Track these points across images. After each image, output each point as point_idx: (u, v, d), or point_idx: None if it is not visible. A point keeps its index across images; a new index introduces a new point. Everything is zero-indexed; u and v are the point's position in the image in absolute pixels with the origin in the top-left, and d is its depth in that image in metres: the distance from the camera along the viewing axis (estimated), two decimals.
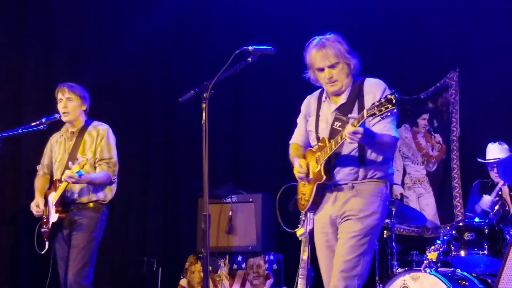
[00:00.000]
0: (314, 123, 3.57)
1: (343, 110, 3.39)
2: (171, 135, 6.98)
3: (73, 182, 4.29)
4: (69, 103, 4.54)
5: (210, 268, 5.63)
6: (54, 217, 4.45)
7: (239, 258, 5.65)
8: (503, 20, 5.95)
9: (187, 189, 6.64)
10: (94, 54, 6.36)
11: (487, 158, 5.34)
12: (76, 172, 4.16)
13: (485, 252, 4.72)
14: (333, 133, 3.38)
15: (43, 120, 4.52)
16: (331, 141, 3.33)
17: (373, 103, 3.05)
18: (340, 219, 3.38)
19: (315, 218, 3.57)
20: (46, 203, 4.55)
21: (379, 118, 3.22)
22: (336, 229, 3.43)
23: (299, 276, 4.76)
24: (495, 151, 5.30)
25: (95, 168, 4.50)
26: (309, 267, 4.79)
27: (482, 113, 6.07)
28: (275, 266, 5.57)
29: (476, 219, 4.94)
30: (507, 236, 4.67)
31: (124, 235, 6.41)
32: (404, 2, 6.35)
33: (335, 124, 3.40)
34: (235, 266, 5.65)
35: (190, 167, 6.75)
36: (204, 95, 3.12)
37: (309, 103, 3.68)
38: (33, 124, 4.52)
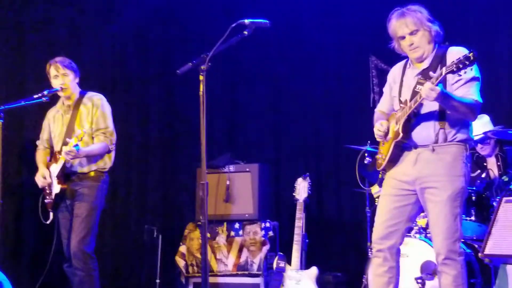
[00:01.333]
0: (398, 88, 3.63)
1: (426, 75, 3.41)
2: (170, 107, 6.93)
3: (72, 158, 4.28)
4: (65, 78, 4.51)
5: (208, 235, 5.64)
6: (56, 188, 4.44)
7: (236, 226, 5.66)
8: None
9: (186, 160, 6.63)
10: (93, 31, 6.28)
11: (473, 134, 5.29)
12: (74, 146, 4.14)
13: (472, 218, 4.80)
14: (414, 95, 3.42)
15: (45, 92, 4.46)
16: (411, 101, 3.40)
17: (452, 61, 3.13)
18: (421, 182, 3.44)
19: (390, 174, 3.59)
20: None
21: (463, 81, 3.33)
22: (411, 190, 3.49)
23: (294, 242, 4.80)
24: (478, 127, 5.24)
25: (92, 138, 4.49)
26: (303, 233, 4.82)
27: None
28: (271, 233, 5.58)
29: None
30: (494, 203, 4.67)
31: (125, 204, 6.40)
32: None
33: (417, 88, 3.44)
34: (232, 233, 5.65)
35: (189, 138, 6.72)
36: (202, 67, 3.14)
37: (394, 71, 3.76)
38: (35, 96, 4.46)
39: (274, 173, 6.31)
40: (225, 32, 3.17)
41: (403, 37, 3.47)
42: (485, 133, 4.99)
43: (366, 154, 5.11)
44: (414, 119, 3.43)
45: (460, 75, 3.23)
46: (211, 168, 5.77)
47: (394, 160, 3.53)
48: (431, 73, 3.26)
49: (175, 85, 6.67)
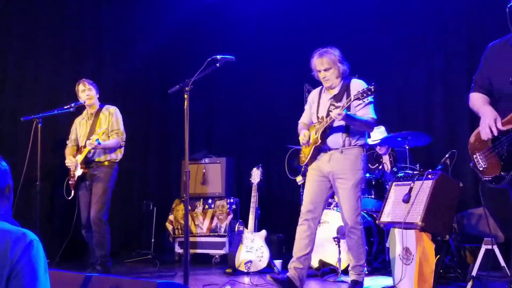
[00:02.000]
0: (316, 107, 3.64)
1: (336, 99, 3.46)
2: (165, 115, 6.90)
3: (93, 149, 4.26)
4: (90, 92, 4.51)
5: (190, 207, 5.62)
6: (79, 172, 4.38)
7: (209, 201, 5.62)
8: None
9: (176, 153, 6.59)
10: (112, 60, 6.24)
11: (371, 140, 5.26)
12: (96, 140, 4.15)
13: (372, 196, 4.86)
14: (329, 114, 3.44)
15: (72, 104, 4.47)
16: (327, 118, 3.43)
17: (358, 91, 3.19)
18: (333, 176, 3.47)
19: (312, 168, 3.58)
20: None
21: (363, 105, 3.39)
22: (327, 179, 3.52)
23: (250, 212, 4.79)
24: (376, 134, 5.30)
25: (108, 137, 4.44)
26: (256, 207, 4.82)
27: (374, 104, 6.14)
28: (234, 207, 5.56)
29: (367, 175, 4.92)
30: (387, 186, 4.71)
31: (129, 186, 6.33)
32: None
33: (330, 108, 3.46)
34: (206, 206, 5.61)
35: (178, 139, 6.69)
36: (186, 88, 3.12)
37: (313, 94, 3.76)
38: (65, 107, 4.45)
39: (237, 164, 6.32)
40: (203, 64, 3.16)
41: (320, 71, 3.52)
42: (382, 139, 5.07)
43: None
44: (329, 130, 3.47)
45: (362, 100, 3.31)
46: (192, 160, 5.74)
47: (313, 158, 3.56)
48: (340, 102, 3.31)
49: (169, 100, 6.62)
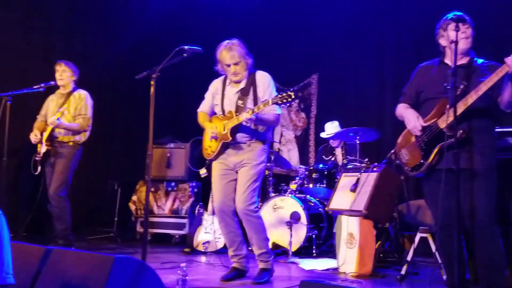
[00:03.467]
0: (220, 99, 3.47)
1: (243, 92, 3.38)
2: (131, 101, 6.78)
3: (54, 126, 4.23)
4: (63, 73, 4.45)
5: (152, 189, 5.60)
6: (44, 148, 4.33)
7: (172, 184, 5.61)
8: (349, 41, 6.15)
9: (142, 136, 6.48)
10: (82, 44, 6.11)
11: (326, 134, 5.43)
12: (57, 119, 4.14)
13: (324, 185, 4.93)
14: (238, 108, 3.34)
15: (42, 84, 4.36)
16: (237, 114, 3.28)
17: (277, 94, 3.07)
18: (239, 165, 3.36)
19: (218, 161, 3.43)
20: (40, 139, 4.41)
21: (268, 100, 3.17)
22: (233, 170, 3.39)
23: (210, 196, 4.80)
24: (329, 128, 5.41)
25: (74, 120, 4.38)
26: None
27: (330, 100, 6.29)
28: (196, 190, 5.58)
29: (320, 165, 5.07)
30: (337, 177, 4.82)
31: (95, 166, 6.24)
32: (287, 21, 6.43)
33: (238, 102, 3.36)
34: (169, 189, 5.60)
35: (144, 121, 6.61)
36: (153, 75, 3.05)
37: (216, 85, 3.56)
38: (35, 87, 4.34)
39: (199, 150, 6.31)
40: (171, 53, 3.11)
41: (229, 65, 3.33)
42: (335, 133, 5.20)
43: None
44: (238, 127, 3.32)
45: (260, 95, 3.28)
46: (158, 144, 5.72)
47: (221, 153, 3.40)
48: (247, 97, 3.23)
49: (136, 87, 6.51)
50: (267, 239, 3.43)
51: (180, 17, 6.82)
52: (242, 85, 3.41)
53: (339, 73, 6.17)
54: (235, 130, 3.32)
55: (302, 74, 6.49)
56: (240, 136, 3.36)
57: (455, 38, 2.42)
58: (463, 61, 2.67)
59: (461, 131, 2.48)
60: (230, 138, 3.30)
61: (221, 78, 3.55)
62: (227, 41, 3.41)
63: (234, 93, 3.43)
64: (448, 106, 2.48)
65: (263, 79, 3.37)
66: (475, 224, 2.45)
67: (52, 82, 4.43)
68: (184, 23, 6.85)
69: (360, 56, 6.02)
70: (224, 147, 3.38)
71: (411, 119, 2.68)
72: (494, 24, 4.87)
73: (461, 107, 2.47)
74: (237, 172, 3.40)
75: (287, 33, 6.39)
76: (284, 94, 3.01)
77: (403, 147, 2.83)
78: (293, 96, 2.99)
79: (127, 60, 6.67)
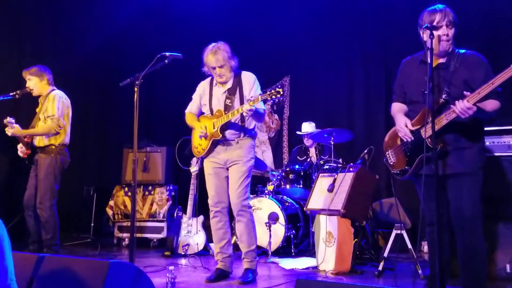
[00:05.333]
0: (208, 99, 3.57)
1: (230, 92, 3.49)
2: (104, 104, 6.74)
3: (11, 134, 4.09)
4: (30, 82, 4.26)
5: (129, 193, 5.56)
6: (21, 154, 4.26)
7: (150, 188, 5.58)
8: (319, 44, 6.27)
9: (115, 140, 6.47)
10: (53, 50, 5.99)
11: (303, 131, 5.56)
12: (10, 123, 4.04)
13: (300, 186, 5.00)
14: (226, 107, 3.44)
15: (18, 91, 4.24)
16: (227, 112, 3.38)
17: (265, 91, 3.18)
18: (229, 162, 3.46)
19: (208, 160, 3.53)
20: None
21: (255, 96, 3.26)
22: (224, 167, 3.50)
23: (189, 199, 4.82)
24: (306, 127, 5.56)
25: (45, 122, 4.18)
26: (195, 194, 4.85)
27: (302, 102, 6.41)
28: (173, 193, 5.58)
29: (296, 166, 5.13)
30: (313, 177, 4.93)
31: (69, 171, 6.11)
32: (262, 25, 6.51)
33: (226, 101, 3.46)
34: (146, 193, 5.57)
35: (117, 125, 6.59)
36: (136, 82, 3.06)
37: (203, 86, 3.67)
38: (10, 94, 4.20)
39: (188, 148, 6.28)
40: (153, 60, 3.13)
41: (214, 68, 3.43)
42: (311, 133, 5.31)
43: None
44: (227, 124, 3.43)
45: (246, 92, 3.38)
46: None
47: (211, 151, 3.50)
48: (249, 98, 3.27)
49: (109, 93, 6.50)
50: (256, 238, 3.53)
51: (149, 18, 6.79)
52: (229, 85, 3.52)
53: (310, 75, 6.31)
54: (225, 127, 3.44)
55: (274, 77, 6.57)
56: (229, 134, 3.47)
57: (429, 44, 2.44)
58: (442, 59, 2.62)
59: (441, 145, 2.49)
60: (220, 135, 3.42)
61: (208, 79, 3.65)
62: (213, 44, 3.51)
63: (221, 93, 3.53)
64: (429, 117, 2.46)
65: (249, 79, 3.51)
66: (460, 219, 2.53)
67: (26, 89, 4.28)
68: (152, 25, 6.83)
69: (330, 58, 6.17)
70: (214, 144, 3.49)
71: (402, 128, 2.67)
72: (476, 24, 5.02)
73: (443, 121, 2.49)
74: (227, 169, 3.50)
75: (257, 36, 6.47)
76: (273, 91, 3.15)
77: (390, 148, 2.86)
78: (281, 92, 3.14)
79: (99, 65, 6.61)
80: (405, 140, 2.70)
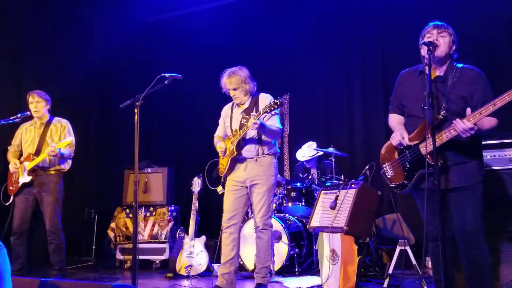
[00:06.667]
0: (229, 121, 3.73)
1: (247, 112, 3.59)
2: (103, 126, 6.77)
3: (53, 156, 4.12)
4: (38, 105, 4.34)
5: (130, 215, 5.53)
6: (26, 178, 4.20)
7: (151, 209, 5.56)
8: (316, 64, 6.31)
9: (115, 164, 6.47)
10: (52, 73, 6.03)
11: (303, 156, 5.44)
12: (58, 149, 4.07)
13: (303, 203, 4.95)
14: (241, 126, 3.56)
15: (19, 115, 4.30)
16: (241, 130, 3.51)
17: (266, 105, 3.30)
18: (250, 181, 3.54)
19: (230, 178, 3.64)
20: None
21: (269, 115, 3.49)
22: (244, 186, 3.58)
23: (191, 219, 4.80)
24: (305, 152, 5.46)
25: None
26: (197, 214, 4.83)
27: (302, 119, 6.42)
28: (174, 214, 5.55)
29: (298, 184, 5.09)
30: (315, 194, 4.90)
31: (69, 194, 6.11)
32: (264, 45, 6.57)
33: (242, 121, 3.58)
34: (148, 214, 5.55)
35: (116, 147, 6.60)
36: (137, 103, 3.10)
37: (226, 109, 3.84)
38: (11, 118, 4.27)
39: (177, 174, 6.30)
40: (153, 81, 3.17)
41: (229, 90, 3.62)
42: (311, 158, 5.28)
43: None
44: (243, 142, 3.58)
45: (270, 113, 3.47)
46: (134, 170, 5.67)
47: (231, 169, 3.63)
48: (253, 113, 3.45)
49: (108, 116, 6.54)
50: (273, 255, 3.64)
51: (148, 38, 6.88)
52: (246, 105, 3.66)
53: (309, 92, 6.33)
54: (240, 144, 3.56)
55: (273, 95, 6.57)
56: (246, 151, 3.59)
57: (428, 60, 2.46)
58: (439, 72, 2.63)
59: (441, 161, 2.50)
60: (236, 153, 3.54)
61: (231, 103, 3.82)
62: (231, 68, 3.66)
63: (239, 113, 3.67)
64: (429, 133, 2.47)
65: (265, 99, 3.63)
66: (463, 234, 2.51)
67: (29, 112, 4.34)
68: (152, 44, 6.93)
69: (329, 75, 6.21)
70: (233, 162, 3.62)
71: (398, 134, 2.68)
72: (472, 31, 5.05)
73: (443, 138, 2.49)
74: (247, 187, 3.59)
75: (256, 54, 6.53)
76: (272, 103, 3.26)
77: (387, 161, 2.85)
78: (278, 103, 3.24)
79: (98, 86, 6.65)
80: (394, 144, 2.69)
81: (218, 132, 3.86)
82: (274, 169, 3.60)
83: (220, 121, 3.86)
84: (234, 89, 3.59)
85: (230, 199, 3.61)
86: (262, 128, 3.38)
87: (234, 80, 3.58)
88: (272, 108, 3.26)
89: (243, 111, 3.63)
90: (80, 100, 6.43)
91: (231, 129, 3.69)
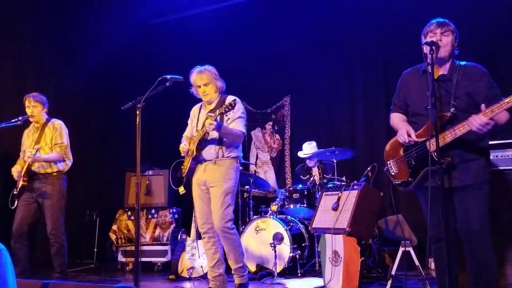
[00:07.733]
0: (196, 121, 3.69)
1: (211, 112, 3.53)
2: (105, 129, 6.76)
3: (32, 161, 4.06)
4: (34, 109, 4.29)
5: (132, 217, 5.52)
6: (20, 183, 4.18)
7: (153, 211, 5.56)
8: (317, 65, 6.32)
9: (117, 166, 6.46)
10: (53, 74, 6.01)
11: (303, 153, 5.52)
12: (34, 154, 3.98)
13: (304, 205, 4.95)
14: (203, 126, 3.48)
15: (20, 118, 4.28)
16: (200, 130, 3.48)
17: (222, 107, 3.26)
18: (208, 183, 3.50)
19: (194, 180, 3.62)
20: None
21: (232, 119, 3.44)
22: (206, 188, 3.54)
23: (193, 222, 4.78)
24: (307, 149, 5.51)
25: (52, 150, 4.22)
26: None
27: (303, 121, 6.42)
28: (176, 216, 5.55)
29: (300, 185, 5.11)
30: (317, 196, 4.92)
31: (73, 196, 6.10)
32: (261, 49, 6.57)
33: (206, 121, 3.48)
34: (149, 216, 5.55)
35: (118, 150, 6.58)
36: (138, 105, 3.10)
37: (194, 110, 3.80)
38: (12, 120, 4.25)
39: (180, 170, 6.27)
40: (154, 83, 3.19)
41: (199, 86, 3.55)
42: (313, 153, 5.29)
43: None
44: (204, 143, 3.52)
45: (228, 115, 3.42)
46: (136, 172, 5.66)
47: (191, 169, 3.58)
48: (210, 113, 3.41)
49: (110, 117, 6.53)
50: (243, 254, 3.58)
51: (149, 40, 6.89)
52: (213, 106, 3.60)
53: (310, 94, 6.33)
54: (200, 145, 3.51)
55: (274, 97, 6.61)
56: (206, 153, 3.54)
57: (430, 59, 2.44)
58: (443, 70, 2.61)
59: (448, 159, 2.47)
60: (195, 153, 3.49)
61: (199, 104, 3.76)
62: (199, 66, 3.61)
63: (205, 113, 3.61)
64: (434, 132, 2.43)
65: (230, 100, 3.51)
66: (468, 233, 2.49)
67: (27, 115, 4.32)
68: (153, 46, 6.93)
69: (330, 76, 6.20)
70: (193, 162, 3.57)
71: (404, 130, 2.63)
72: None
73: (448, 137, 2.47)
74: (209, 190, 3.55)
75: (256, 57, 6.54)
76: (227, 103, 3.24)
77: (391, 158, 2.81)
78: (233, 104, 3.19)
79: (100, 89, 6.65)
80: (401, 141, 2.64)
81: (186, 133, 3.81)
82: (233, 173, 3.52)
83: (189, 121, 3.81)
84: (205, 85, 3.53)
85: (198, 204, 3.59)
86: (219, 129, 3.31)
87: (205, 76, 3.53)
88: (227, 110, 3.21)
89: (209, 111, 3.56)
90: (81, 102, 6.41)
91: (196, 129, 3.65)
